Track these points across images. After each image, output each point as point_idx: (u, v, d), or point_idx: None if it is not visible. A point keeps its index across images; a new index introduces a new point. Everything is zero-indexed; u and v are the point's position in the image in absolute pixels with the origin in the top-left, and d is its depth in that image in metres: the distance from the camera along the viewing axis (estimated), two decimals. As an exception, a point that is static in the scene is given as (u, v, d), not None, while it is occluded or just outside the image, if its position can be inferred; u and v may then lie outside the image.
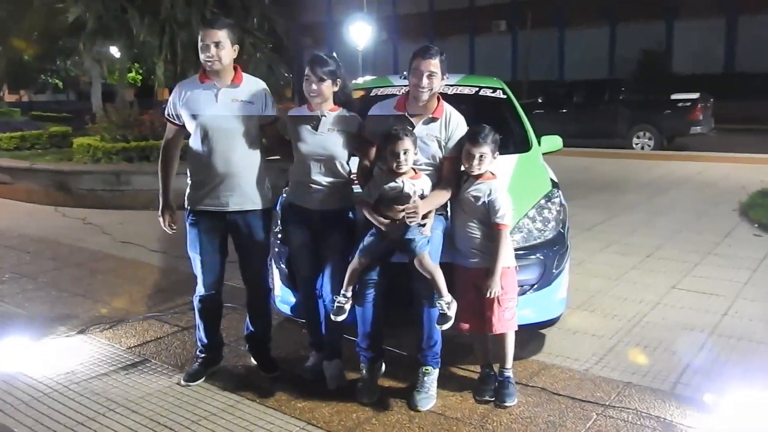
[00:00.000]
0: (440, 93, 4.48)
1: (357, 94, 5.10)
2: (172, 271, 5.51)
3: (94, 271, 5.60)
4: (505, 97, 5.00)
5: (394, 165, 3.13)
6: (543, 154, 4.83)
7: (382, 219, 3.12)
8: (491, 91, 5.04)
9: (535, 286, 3.56)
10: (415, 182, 3.17)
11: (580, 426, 3.00)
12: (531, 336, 3.93)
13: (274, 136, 3.52)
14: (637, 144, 14.13)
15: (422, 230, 3.14)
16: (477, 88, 5.03)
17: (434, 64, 3.17)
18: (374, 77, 6.50)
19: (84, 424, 3.06)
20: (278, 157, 3.54)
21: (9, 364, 3.65)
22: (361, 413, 3.14)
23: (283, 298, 3.78)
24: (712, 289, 4.86)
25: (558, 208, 3.85)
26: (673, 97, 14.34)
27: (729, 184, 9.46)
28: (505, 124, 4.77)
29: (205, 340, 3.55)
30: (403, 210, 3.06)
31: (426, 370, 3.26)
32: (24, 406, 3.21)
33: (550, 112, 15.31)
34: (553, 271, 3.60)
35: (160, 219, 3.46)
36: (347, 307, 3.18)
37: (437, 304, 3.10)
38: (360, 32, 22.53)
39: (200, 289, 3.48)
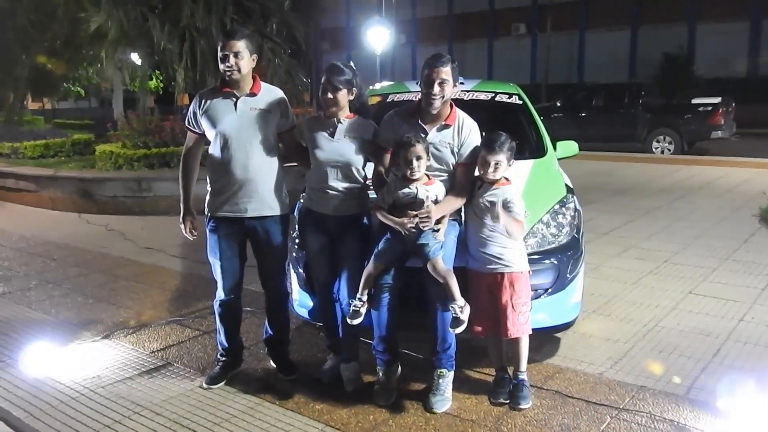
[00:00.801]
0: (456, 99, 4.58)
1: (374, 100, 5.20)
2: (193, 276, 5.62)
3: (118, 277, 5.73)
4: (521, 102, 5.05)
5: (408, 171, 3.19)
6: (559, 159, 4.87)
7: (398, 219, 3.18)
8: (507, 96, 5.08)
9: (549, 290, 3.60)
10: (428, 188, 3.23)
11: (594, 429, 3.03)
12: (546, 340, 3.97)
13: (291, 144, 3.60)
14: (657, 148, 14.05)
15: (436, 235, 3.19)
16: (493, 94, 5.08)
17: (445, 71, 3.24)
18: (391, 83, 6.59)
19: (110, 426, 3.15)
20: (295, 164, 3.63)
21: (37, 369, 3.76)
22: (377, 415, 3.21)
23: (301, 302, 3.86)
24: (729, 295, 4.85)
25: (573, 213, 3.88)
26: (694, 101, 14.25)
27: (749, 189, 9.38)
28: (520, 129, 4.82)
29: (225, 344, 3.64)
30: (417, 215, 3.12)
31: (441, 372, 3.32)
32: (52, 410, 3.32)
33: (570, 116, 15.31)
34: (567, 275, 3.64)
35: (182, 226, 3.56)
36: (363, 311, 3.24)
37: (450, 308, 3.15)
38: (378, 36, 22.64)
39: (220, 294, 3.57)
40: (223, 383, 3.56)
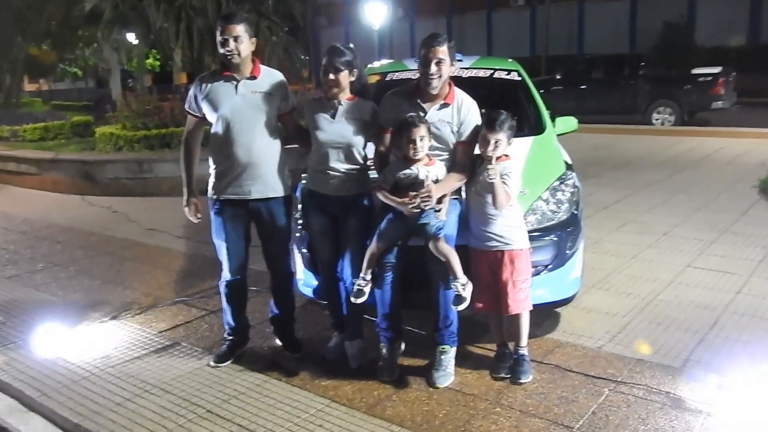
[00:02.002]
0: (455, 76, 4.60)
1: (372, 79, 5.21)
2: (197, 256, 5.69)
3: (123, 259, 5.80)
4: (520, 78, 5.06)
5: (411, 152, 3.23)
6: (558, 135, 4.90)
7: (399, 200, 3.22)
8: (506, 73, 5.09)
9: (549, 266, 3.66)
10: (429, 169, 3.27)
11: (592, 401, 3.11)
12: (546, 315, 4.04)
13: (291, 125, 3.64)
14: (657, 120, 14.02)
15: (437, 215, 3.24)
16: (492, 71, 5.09)
17: (442, 51, 3.26)
18: (390, 61, 6.57)
19: (121, 404, 3.24)
20: (296, 145, 3.66)
21: (48, 350, 3.84)
22: (382, 391, 3.29)
23: (305, 281, 3.92)
24: (727, 268, 4.92)
25: (572, 190, 3.93)
26: (694, 71, 14.18)
27: (749, 160, 9.40)
28: (519, 106, 4.84)
29: (232, 323, 3.71)
30: (418, 195, 3.16)
31: (443, 349, 3.39)
32: (65, 389, 3.41)
33: (569, 89, 15.24)
34: (567, 251, 3.69)
35: (186, 210, 3.61)
36: (366, 289, 3.31)
37: (452, 286, 3.22)
38: (376, 11, 22.39)
39: (226, 275, 3.63)
40: (230, 362, 3.64)
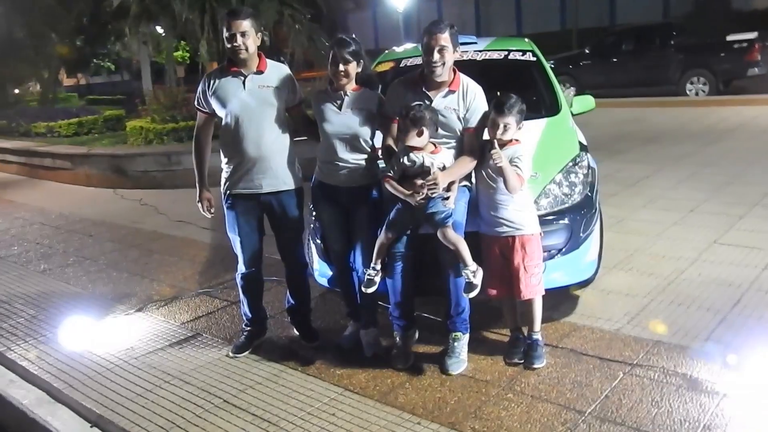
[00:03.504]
0: (469, 59, 4.57)
1: (387, 66, 5.19)
2: (222, 247, 5.75)
3: (151, 251, 5.94)
4: (534, 59, 4.97)
5: (413, 140, 3.22)
6: (576, 114, 4.82)
7: (405, 191, 3.22)
8: (521, 53, 5.01)
9: (563, 250, 3.62)
10: (435, 156, 3.26)
11: (606, 385, 3.09)
12: (564, 298, 4.01)
13: (299, 118, 3.67)
14: (690, 90, 13.61)
15: (445, 203, 3.24)
16: (506, 52, 5.02)
17: (444, 38, 3.24)
18: (414, 45, 6.52)
19: (143, 395, 3.35)
20: (305, 138, 3.69)
21: (75, 343, 3.98)
22: (395, 378, 3.32)
23: (321, 271, 3.96)
24: (755, 243, 4.79)
25: (585, 171, 3.87)
26: (729, 38, 13.69)
27: (786, 128, 9.10)
28: (534, 87, 4.78)
29: (249, 315, 3.78)
30: (424, 183, 3.16)
31: (455, 336, 3.40)
32: (90, 381, 3.53)
33: (599, 63, 14.94)
34: (581, 234, 3.65)
35: (199, 205, 3.68)
36: (377, 279, 3.33)
37: (463, 274, 3.22)
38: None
39: (241, 268, 3.70)
40: (248, 352, 3.71)
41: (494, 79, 5.14)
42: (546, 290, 3.42)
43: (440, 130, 3.34)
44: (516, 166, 3.24)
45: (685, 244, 4.92)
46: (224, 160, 3.56)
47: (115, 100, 19.52)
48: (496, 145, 3.17)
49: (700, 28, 15.91)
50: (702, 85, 13.49)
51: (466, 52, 5.03)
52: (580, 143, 4.13)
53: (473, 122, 3.37)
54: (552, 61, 15.99)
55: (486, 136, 3.38)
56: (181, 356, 3.76)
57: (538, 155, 3.88)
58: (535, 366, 3.31)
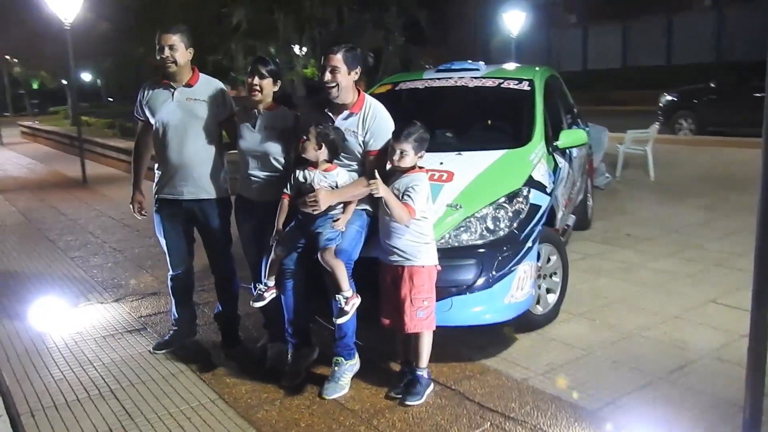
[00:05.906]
0: (461, 85, 4.50)
1: (383, 89, 5.22)
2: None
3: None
4: (528, 89, 4.74)
5: (309, 154, 3.26)
6: (563, 147, 4.57)
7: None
8: (516, 83, 4.81)
9: (472, 287, 3.43)
10: (326, 174, 3.26)
11: (462, 433, 2.90)
12: (498, 338, 3.81)
13: (232, 131, 3.80)
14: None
15: (335, 224, 3.22)
16: (501, 80, 4.86)
17: (336, 59, 3.24)
18: (425, 69, 6.48)
19: (54, 376, 3.63)
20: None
21: (36, 326, 4.40)
22: (272, 394, 3.33)
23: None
24: (754, 307, 4.20)
25: (519, 208, 3.67)
26: None
27: None
28: (510, 117, 4.60)
29: (176, 315, 3.97)
30: (305, 201, 3.17)
31: (337, 360, 3.35)
32: (23, 357, 3.89)
33: (723, 99, 13.70)
34: (493, 272, 3.45)
35: (131, 206, 3.94)
36: (267, 295, 3.37)
37: (336, 299, 3.17)
38: (514, 19, 21.67)
39: (169, 269, 3.89)
40: (168, 350, 3.89)
41: (477, 105, 5.01)
42: (455, 326, 3.28)
43: (342, 152, 3.33)
44: (408, 196, 3.15)
45: (678, 300, 4.43)
46: (156, 165, 3.79)
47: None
48: (377, 174, 3.10)
49: None
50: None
51: (463, 78, 4.96)
52: (530, 177, 3.89)
53: (375, 145, 3.32)
54: (675, 94, 14.99)
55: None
56: (115, 346, 4.02)
57: (471, 187, 3.76)
58: (408, 403, 3.17)
